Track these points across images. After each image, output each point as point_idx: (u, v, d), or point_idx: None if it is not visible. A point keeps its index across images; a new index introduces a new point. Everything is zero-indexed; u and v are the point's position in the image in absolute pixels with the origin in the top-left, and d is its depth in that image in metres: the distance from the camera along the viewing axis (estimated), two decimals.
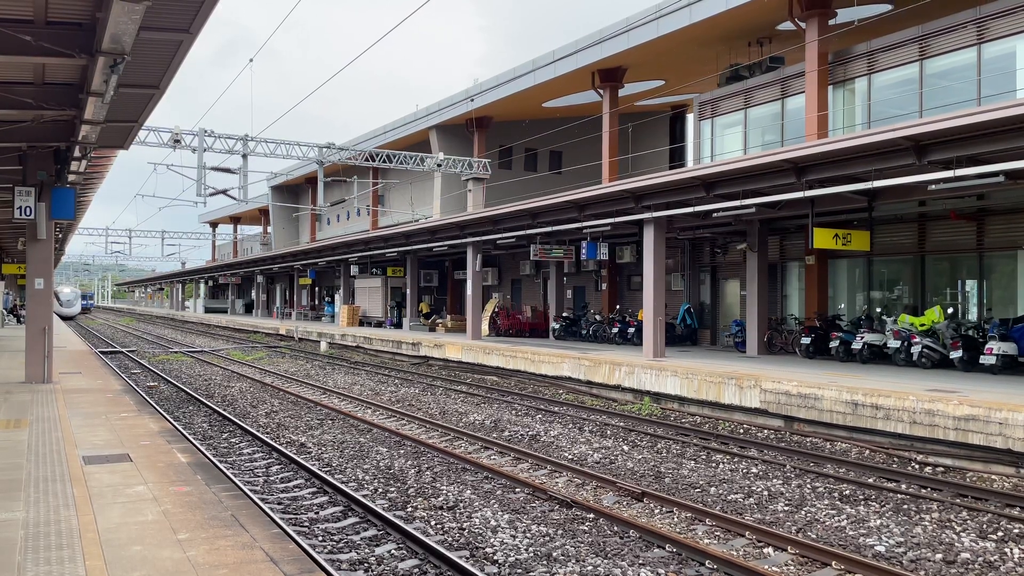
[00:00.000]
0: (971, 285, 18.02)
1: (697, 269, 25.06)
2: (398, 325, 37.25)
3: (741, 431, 13.87)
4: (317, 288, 52.74)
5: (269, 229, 63.27)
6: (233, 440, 13.11)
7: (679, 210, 17.91)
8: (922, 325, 16.61)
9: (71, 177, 16.09)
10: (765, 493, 9.60)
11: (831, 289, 20.79)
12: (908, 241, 18.90)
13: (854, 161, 14.01)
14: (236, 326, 48.42)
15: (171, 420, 13.60)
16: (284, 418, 15.33)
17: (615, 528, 8.18)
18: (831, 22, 21.12)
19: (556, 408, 16.44)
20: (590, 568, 7.07)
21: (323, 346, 33.16)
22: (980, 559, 7.27)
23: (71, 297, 71.75)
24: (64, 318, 65.81)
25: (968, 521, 8.43)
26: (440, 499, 9.30)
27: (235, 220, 76.55)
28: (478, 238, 25.63)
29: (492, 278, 34.44)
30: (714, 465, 11.23)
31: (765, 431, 13.73)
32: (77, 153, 14.30)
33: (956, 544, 7.69)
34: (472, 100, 32.93)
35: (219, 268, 63.88)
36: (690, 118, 33.02)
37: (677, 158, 35.54)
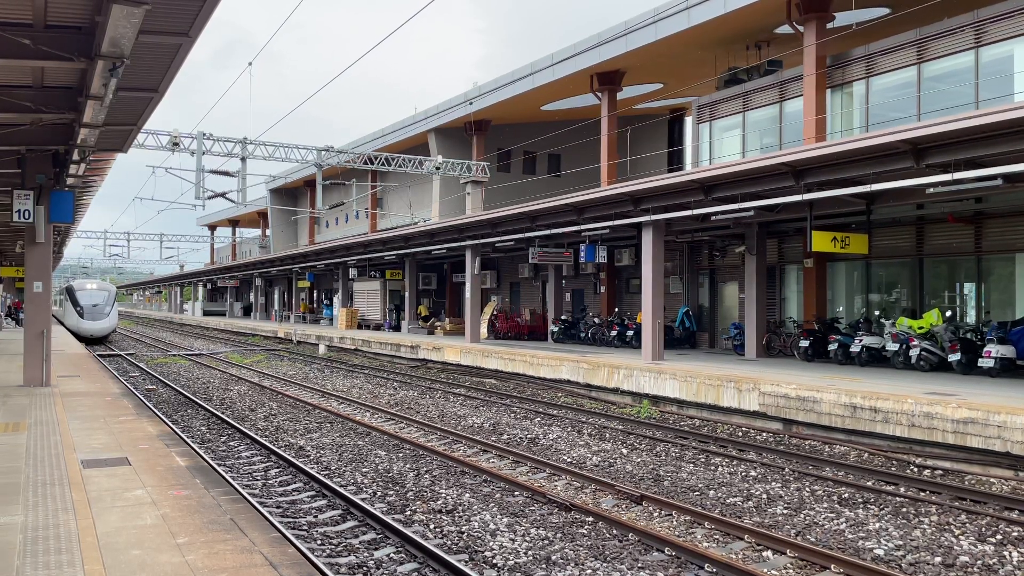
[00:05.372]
0: (969, 288, 18.04)
1: (696, 272, 25.07)
2: (396, 328, 37.24)
3: (740, 434, 13.87)
4: (316, 291, 52.73)
5: (268, 232, 63.25)
6: (232, 443, 13.09)
7: (678, 213, 17.92)
8: (920, 328, 16.63)
9: (70, 180, 16.08)
10: (764, 496, 9.60)
11: (829, 292, 20.81)
12: (906, 244, 18.91)
13: (852, 164, 14.03)
14: (234, 329, 48.38)
15: (169, 423, 13.59)
16: (283, 421, 15.32)
17: (614, 531, 8.18)
18: (829, 26, 21.15)
19: (555, 411, 16.44)
20: (589, 571, 7.07)
21: (322, 349, 33.14)
22: (979, 562, 7.27)
23: (100, 300, 39.01)
24: (87, 340, 37.89)
25: (967, 524, 8.44)
26: (439, 502, 9.29)
27: (233, 223, 76.55)
28: (477, 241, 25.64)
29: (491, 281, 34.44)
30: (713, 468, 11.23)
31: (764, 434, 13.73)
32: (76, 156, 14.29)
33: (955, 547, 7.69)
34: (471, 103, 32.94)
35: (217, 271, 63.86)
36: (688, 121, 33.09)
37: (676, 161, 35.56)
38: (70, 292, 39.82)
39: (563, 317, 27.77)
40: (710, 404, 15.35)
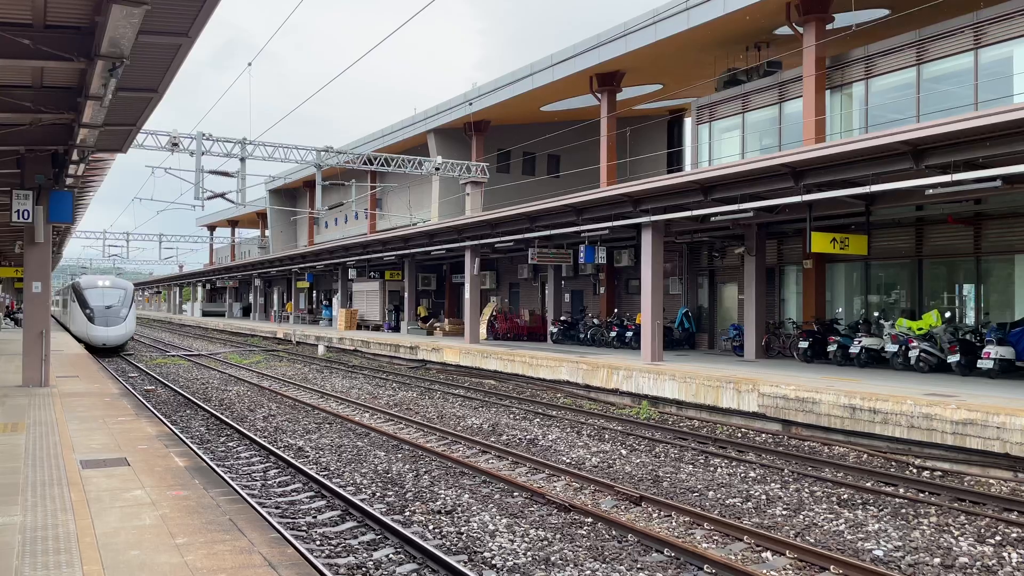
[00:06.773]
0: (968, 289, 18.04)
1: (695, 273, 25.07)
2: (396, 329, 37.22)
3: (739, 435, 13.87)
4: (315, 292, 52.70)
5: (267, 232, 63.23)
6: (231, 444, 13.08)
7: (677, 214, 17.92)
8: (919, 329, 16.63)
9: (69, 180, 16.07)
10: (763, 497, 9.60)
11: (829, 293, 20.81)
12: (906, 245, 18.92)
13: (852, 165, 14.03)
14: (234, 329, 48.35)
15: (168, 424, 13.58)
16: (282, 422, 15.31)
17: (613, 532, 8.18)
18: (829, 27, 21.17)
19: (554, 412, 16.43)
20: (588, 572, 7.06)
21: (321, 350, 33.12)
22: (978, 563, 7.27)
23: (114, 301, 31.64)
24: (99, 349, 31.07)
25: (966, 525, 8.44)
26: (438, 503, 9.29)
27: (233, 223, 76.53)
28: (476, 242, 25.63)
29: (490, 282, 34.43)
30: (712, 469, 11.23)
31: (763, 435, 13.73)
32: (75, 156, 14.29)
33: (954, 548, 7.69)
34: (470, 104, 32.95)
35: (217, 271, 63.85)
36: (688, 122, 33.08)
37: (675, 162, 35.58)
38: (77, 291, 32.24)
39: (562, 318, 27.76)
40: (709, 405, 15.34)
